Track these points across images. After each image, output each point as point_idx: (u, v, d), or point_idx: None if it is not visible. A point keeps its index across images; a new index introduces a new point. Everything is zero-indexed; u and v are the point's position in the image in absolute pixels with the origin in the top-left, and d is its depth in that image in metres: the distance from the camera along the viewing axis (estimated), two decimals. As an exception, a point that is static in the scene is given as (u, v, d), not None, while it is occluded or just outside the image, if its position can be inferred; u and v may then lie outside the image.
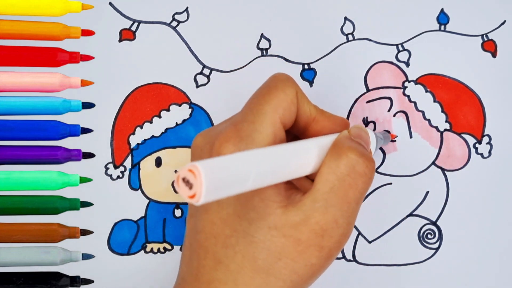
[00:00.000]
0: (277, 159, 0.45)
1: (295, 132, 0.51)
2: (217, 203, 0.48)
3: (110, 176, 0.57)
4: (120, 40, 0.58)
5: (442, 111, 0.57)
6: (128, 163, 0.57)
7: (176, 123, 0.57)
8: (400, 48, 0.58)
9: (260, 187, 0.44)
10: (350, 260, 0.57)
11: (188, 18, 0.58)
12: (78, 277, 0.56)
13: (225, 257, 0.47)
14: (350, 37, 0.58)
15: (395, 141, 0.57)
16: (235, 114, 0.50)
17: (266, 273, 0.47)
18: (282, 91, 0.49)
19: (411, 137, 0.57)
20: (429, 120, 0.57)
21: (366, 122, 0.57)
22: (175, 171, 0.57)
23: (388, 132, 0.57)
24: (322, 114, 0.51)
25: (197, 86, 0.58)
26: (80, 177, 0.57)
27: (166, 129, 0.57)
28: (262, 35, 0.58)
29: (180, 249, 0.57)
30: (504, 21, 0.58)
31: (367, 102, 0.58)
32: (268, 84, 0.49)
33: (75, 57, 0.57)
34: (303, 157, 0.47)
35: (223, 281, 0.47)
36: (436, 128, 0.57)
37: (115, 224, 0.57)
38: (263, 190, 0.47)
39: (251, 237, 0.47)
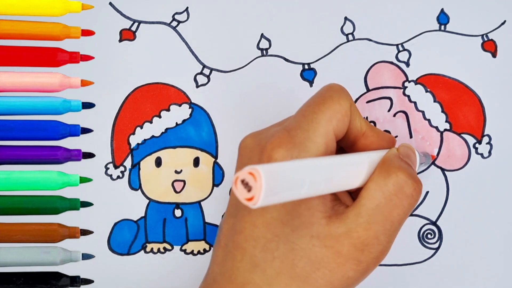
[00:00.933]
0: (330, 169, 0.45)
1: (342, 144, 0.51)
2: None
3: (110, 176, 0.57)
4: (120, 40, 0.58)
5: (442, 111, 0.57)
6: (128, 163, 0.57)
7: (176, 123, 0.57)
8: (400, 48, 0.58)
9: (312, 196, 0.44)
10: (350, 260, 0.57)
11: (188, 18, 0.58)
12: (78, 277, 0.56)
13: (263, 261, 0.47)
14: (350, 37, 0.58)
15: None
16: (287, 119, 0.50)
17: (303, 282, 0.47)
18: (337, 102, 0.48)
19: (411, 137, 0.57)
20: (429, 120, 0.57)
21: (366, 122, 0.57)
22: (175, 171, 0.57)
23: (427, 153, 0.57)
24: (371, 130, 0.51)
25: (197, 86, 0.58)
26: (80, 177, 0.57)
27: (166, 129, 0.57)
28: (262, 35, 0.58)
29: (181, 249, 0.57)
30: (504, 21, 0.58)
31: (367, 102, 0.58)
32: (323, 93, 0.49)
33: (75, 57, 0.57)
34: (354, 170, 0.48)
35: (258, 285, 0.47)
36: (436, 128, 0.57)
37: (115, 224, 0.57)
38: (309, 199, 0.47)
39: (292, 244, 0.47)
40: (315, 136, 0.47)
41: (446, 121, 0.57)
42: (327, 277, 0.47)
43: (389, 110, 0.57)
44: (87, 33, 0.57)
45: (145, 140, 0.57)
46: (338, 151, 0.51)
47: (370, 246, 0.47)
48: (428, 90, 0.58)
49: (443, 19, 0.58)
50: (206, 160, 0.57)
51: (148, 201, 0.57)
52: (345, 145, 0.51)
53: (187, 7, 0.58)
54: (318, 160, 0.45)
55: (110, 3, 0.58)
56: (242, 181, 0.40)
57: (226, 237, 0.49)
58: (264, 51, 0.58)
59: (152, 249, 0.57)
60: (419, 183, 0.48)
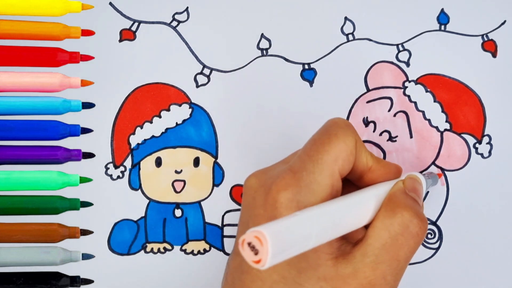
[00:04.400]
0: (337, 215, 0.45)
1: (349, 178, 0.51)
2: None
3: (110, 176, 0.57)
4: (120, 40, 0.58)
5: (442, 111, 0.57)
6: (128, 163, 0.57)
7: (176, 123, 0.57)
8: (400, 48, 0.58)
9: (321, 244, 0.44)
10: (350, 260, 0.57)
11: (188, 18, 0.58)
12: (78, 277, 0.56)
13: None
14: (350, 37, 0.58)
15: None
16: (291, 156, 0.50)
17: None
18: (343, 141, 0.48)
19: (411, 137, 0.57)
20: (429, 120, 0.57)
21: (366, 122, 0.57)
22: (175, 171, 0.57)
23: (434, 172, 0.57)
24: (378, 163, 0.50)
25: (197, 86, 0.58)
26: (80, 177, 0.57)
27: (166, 129, 0.57)
28: (262, 35, 0.58)
29: (181, 249, 0.57)
30: (504, 21, 0.58)
31: (367, 102, 0.58)
32: (328, 131, 0.49)
33: (75, 57, 0.57)
34: (360, 210, 0.47)
35: None
36: (436, 128, 0.57)
37: (115, 224, 0.57)
38: None
39: (299, 286, 0.46)
40: (321, 178, 0.47)
41: (446, 121, 0.57)
42: None
43: (389, 110, 0.57)
44: (87, 33, 0.57)
45: (145, 140, 0.57)
46: (344, 184, 0.51)
47: (378, 285, 0.47)
48: (428, 90, 0.58)
49: (443, 19, 0.58)
50: (206, 160, 0.57)
51: (148, 201, 0.57)
52: (351, 178, 0.51)
53: (187, 7, 0.58)
54: (323, 207, 0.45)
55: (110, 3, 0.58)
56: (249, 244, 0.39)
57: (233, 275, 0.48)
58: (264, 51, 0.58)
59: (152, 249, 0.57)
60: (424, 221, 0.48)
